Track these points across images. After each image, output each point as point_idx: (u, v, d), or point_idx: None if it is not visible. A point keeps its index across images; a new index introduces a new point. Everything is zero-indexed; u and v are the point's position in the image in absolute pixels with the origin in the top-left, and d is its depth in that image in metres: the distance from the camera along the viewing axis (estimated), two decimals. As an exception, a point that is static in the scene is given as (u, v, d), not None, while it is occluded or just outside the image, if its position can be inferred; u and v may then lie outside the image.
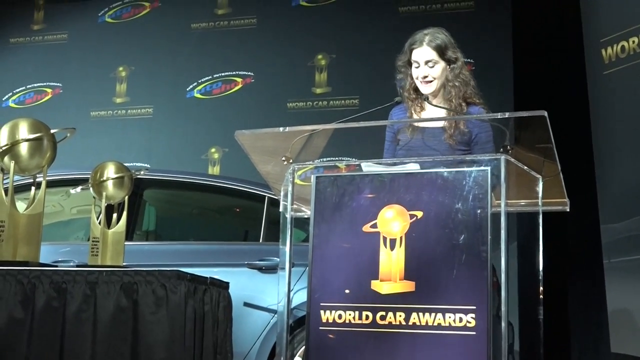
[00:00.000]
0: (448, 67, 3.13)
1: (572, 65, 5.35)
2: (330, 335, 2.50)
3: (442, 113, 3.17)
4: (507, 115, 2.46)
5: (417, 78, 3.14)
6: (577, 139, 4.89)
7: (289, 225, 2.73)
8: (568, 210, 2.71)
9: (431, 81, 3.12)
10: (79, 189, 3.38)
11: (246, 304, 3.93)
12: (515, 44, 6.15)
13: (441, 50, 3.11)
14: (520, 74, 6.03)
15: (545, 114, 2.34)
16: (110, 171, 3.17)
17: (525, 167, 2.54)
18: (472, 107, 3.15)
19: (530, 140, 2.51)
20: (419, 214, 2.48)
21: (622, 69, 4.49)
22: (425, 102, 3.18)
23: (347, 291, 2.51)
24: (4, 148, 2.74)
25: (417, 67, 3.13)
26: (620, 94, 4.55)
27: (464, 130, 3.07)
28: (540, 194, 2.58)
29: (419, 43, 3.13)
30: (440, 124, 3.11)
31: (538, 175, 2.57)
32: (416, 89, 3.20)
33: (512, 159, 2.49)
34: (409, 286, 2.44)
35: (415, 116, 3.21)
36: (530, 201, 2.67)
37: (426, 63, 3.11)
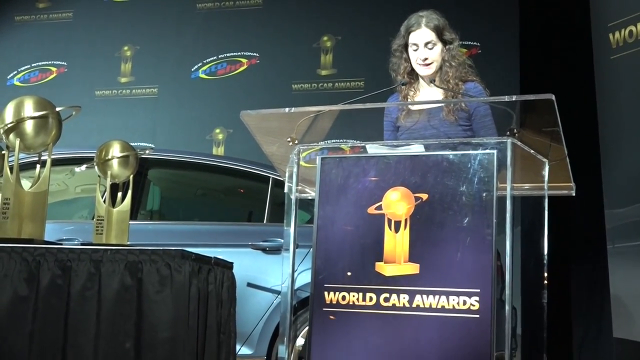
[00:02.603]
0: (445, 48, 3.13)
1: (579, 49, 5.33)
2: (334, 317, 2.51)
3: (439, 93, 3.17)
4: (514, 98, 2.45)
5: (415, 61, 3.14)
6: (583, 123, 4.88)
7: (293, 207, 2.73)
8: (574, 194, 2.70)
9: (430, 64, 3.12)
10: (83, 167, 3.38)
11: (250, 285, 3.94)
12: (522, 26, 6.12)
13: (439, 31, 3.12)
14: (526, 57, 6.00)
15: (553, 97, 2.33)
16: (115, 150, 3.16)
17: (532, 151, 2.53)
18: (468, 84, 3.16)
19: (537, 123, 2.50)
20: (424, 196, 2.48)
21: (629, 54, 4.47)
22: (420, 85, 3.19)
23: (350, 273, 2.52)
24: (9, 125, 2.73)
25: (415, 50, 3.13)
26: (628, 79, 4.53)
27: (461, 109, 3.08)
28: (546, 178, 2.57)
29: (417, 25, 3.12)
30: (437, 104, 3.11)
31: (544, 159, 2.57)
32: (411, 73, 3.20)
33: (519, 143, 2.49)
34: (413, 268, 2.44)
35: (410, 100, 3.21)
36: (536, 185, 2.67)
37: (425, 45, 3.11)
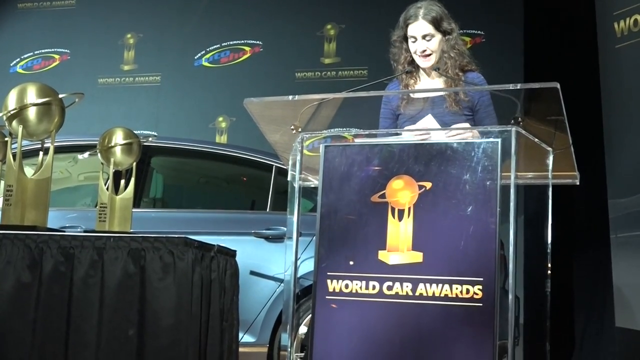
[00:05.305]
0: (444, 38, 3.12)
1: (584, 38, 5.31)
2: (337, 305, 2.50)
3: (440, 82, 3.16)
4: (518, 86, 2.44)
5: (414, 52, 3.13)
6: (587, 112, 4.87)
7: (296, 195, 2.73)
8: (578, 183, 2.70)
9: (429, 55, 3.11)
10: (86, 154, 3.38)
11: (252, 273, 3.94)
12: (526, 15, 6.11)
13: (437, 23, 3.10)
14: (530, 46, 5.99)
15: (558, 85, 2.32)
16: (118, 137, 3.16)
17: (536, 140, 2.52)
18: (470, 74, 3.16)
19: (541, 112, 2.48)
20: (428, 184, 2.47)
21: (634, 43, 4.45)
22: (421, 73, 3.19)
23: (353, 261, 2.51)
24: (12, 112, 2.73)
25: (414, 42, 3.12)
26: (632, 68, 4.51)
27: (463, 99, 3.08)
28: (550, 167, 2.56)
29: (414, 17, 3.11)
30: (441, 92, 3.11)
31: (548, 148, 2.55)
32: (412, 62, 3.19)
33: (523, 131, 2.47)
34: (416, 257, 2.43)
35: (411, 89, 3.20)
36: (539, 174, 2.65)
37: (423, 37, 3.10)
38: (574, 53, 5.61)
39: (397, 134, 3.01)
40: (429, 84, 3.19)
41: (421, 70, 3.21)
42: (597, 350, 5.33)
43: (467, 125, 3.00)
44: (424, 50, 3.10)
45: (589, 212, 5.35)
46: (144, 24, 7.36)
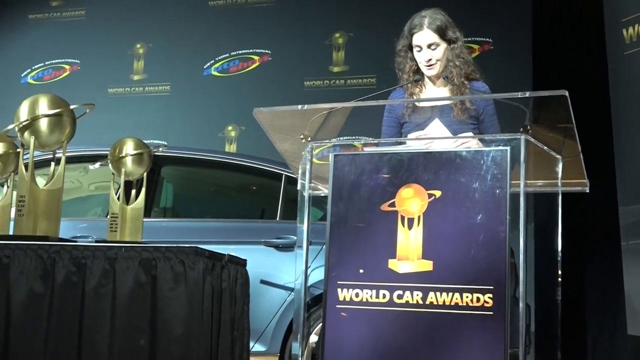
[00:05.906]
0: (449, 47, 3.12)
1: (593, 45, 5.30)
2: (347, 314, 2.51)
3: (445, 91, 3.17)
4: (527, 94, 2.44)
5: (420, 62, 3.13)
6: (597, 119, 4.86)
7: (306, 204, 2.73)
8: (588, 191, 2.69)
9: (434, 64, 3.11)
10: (97, 164, 3.39)
11: (263, 282, 3.95)
12: (534, 22, 6.10)
13: (442, 32, 3.10)
14: (539, 53, 5.98)
15: (567, 93, 2.32)
16: (129, 147, 3.18)
17: (545, 147, 2.52)
18: (475, 83, 3.17)
19: (550, 120, 2.49)
20: (437, 193, 2.48)
21: (643, 50, 4.45)
22: (426, 82, 3.20)
23: (363, 270, 2.51)
24: (24, 123, 2.75)
25: (419, 51, 3.13)
26: (641, 74, 4.50)
27: (470, 108, 3.08)
28: (560, 175, 2.56)
29: (419, 27, 3.11)
30: (448, 101, 3.11)
31: (558, 156, 2.55)
32: (417, 71, 3.19)
33: (532, 139, 2.48)
34: (426, 265, 2.44)
35: (416, 97, 3.21)
36: (549, 182, 2.65)
37: (428, 46, 3.10)
38: (583, 60, 5.60)
39: (405, 143, 3.01)
40: (434, 93, 3.20)
41: (426, 79, 3.21)
42: (609, 359, 5.30)
43: (471, 134, 3.01)
44: (429, 60, 3.11)
45: (599, 219, 5.32)
46: (153, 34, 7.40)
